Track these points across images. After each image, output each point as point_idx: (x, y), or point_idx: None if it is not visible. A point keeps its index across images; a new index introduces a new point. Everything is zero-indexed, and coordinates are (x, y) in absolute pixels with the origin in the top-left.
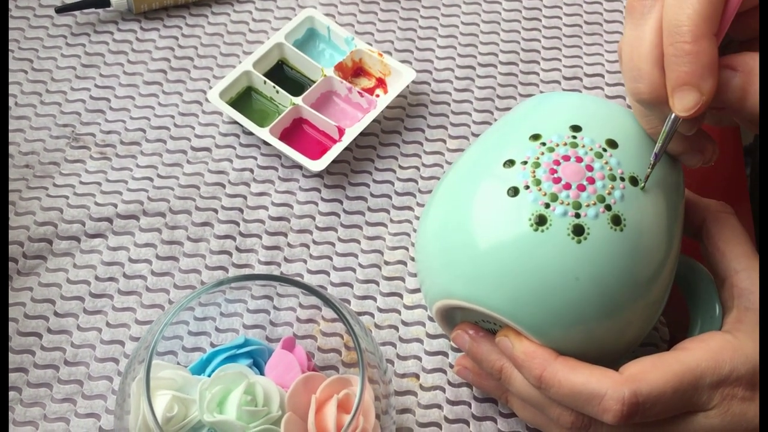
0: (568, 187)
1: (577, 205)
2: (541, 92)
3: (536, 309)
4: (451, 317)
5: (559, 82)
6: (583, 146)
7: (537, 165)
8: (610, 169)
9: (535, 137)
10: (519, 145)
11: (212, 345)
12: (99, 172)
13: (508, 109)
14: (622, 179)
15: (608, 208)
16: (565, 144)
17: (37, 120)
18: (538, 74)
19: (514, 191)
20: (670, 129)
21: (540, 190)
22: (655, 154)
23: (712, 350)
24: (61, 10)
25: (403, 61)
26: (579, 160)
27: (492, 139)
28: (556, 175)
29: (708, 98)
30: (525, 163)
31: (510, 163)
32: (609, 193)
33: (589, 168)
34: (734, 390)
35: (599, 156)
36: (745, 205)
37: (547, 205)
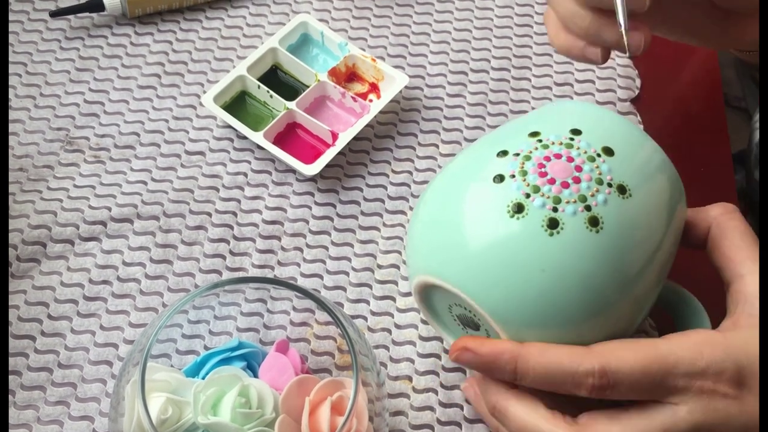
0: (552, 182)
1: (557, 200)
2: (533, 98)
3: (503, 296)
4: (430, 300)
5: (550, 88)
6: (578, 148)
7: (528, 158)
8: (599, 174)
9: (534, 134)
10: (516, 139)
11: (206, 348)
12: (93, 175)
13: (500, 114)
14: (609, 185)
15: (588, 208)
16: (561, 144)
17: (31, 123)
18: (529, 80)
19: (499, 178)
20: None
21: (524, 180)
22: (622, 18)
23: (692, 341)
24: (56, 14)
25: (396, 67)
26: (570, 159)
27: (495, 133)
28: (543, 170)
29: None
30: (517, 155)
31: (503, 153)
32: (592, 195)
33: (578, 169)
34: (715, 385)
35: (591, 160)
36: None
37: (528, 195)
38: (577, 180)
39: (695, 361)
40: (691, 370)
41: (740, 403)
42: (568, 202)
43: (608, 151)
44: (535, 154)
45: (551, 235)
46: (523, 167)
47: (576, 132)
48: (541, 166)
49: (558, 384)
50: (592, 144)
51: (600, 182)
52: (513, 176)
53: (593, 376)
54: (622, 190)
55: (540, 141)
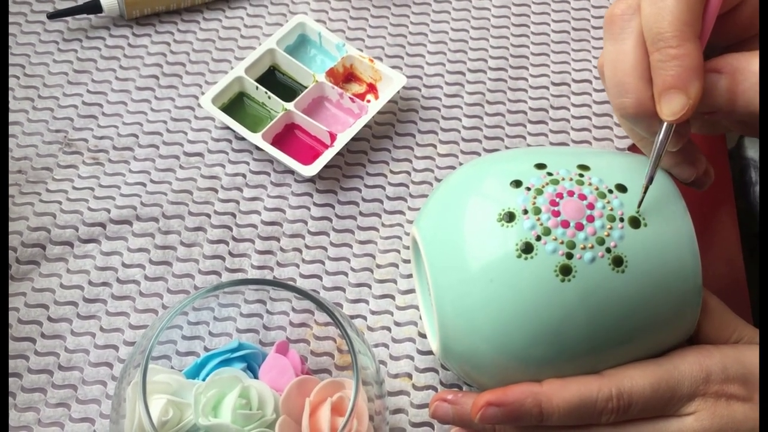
0: (566, 224)
1: (571, 245)
2: (530, 98)
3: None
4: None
5: (547, 88)
6: (590, 185)
7: (540, 192)
8: (611, 210)
9: (540, 166)
10: (524, 170)
11: (206, 349)
12: (92, 177)
13: (497, 114)
14: (621, 220)
15: (608, 250)
16: (571, 180)
17: (29, 126)
18: (526, 80)
19: (509, 216)
20: (662, 141)
21: (538, 219)
22: (649, 171)
23: (690, 355)
24: (53, 16)
25: (393, 67)
26: (582, 197)
27: (496, 159)
28: (556, 208)
29: (695, 101)
30: (529, 189)
31: (516, 183)
32: (608, 235)
33: (590, 207)
34: (723, 387)
35: (602, 196)
36: (729, 207)
37: (539, 238)
38: (591, 219)
39: (696, 372)
40: (694, 381)
41: (750, 406)
42: (584, 248)
43: (621, 188)
44: (546, 189)
45: (562, 281)
46: (535, 203)
47: (584, 168)
48: (554, 203)
49: (583, 416)
50: (603, 180)
51: (612, 219)
52: (525, 212)
53: (611, 400)
54: (634, 223)
55: (549, 174)
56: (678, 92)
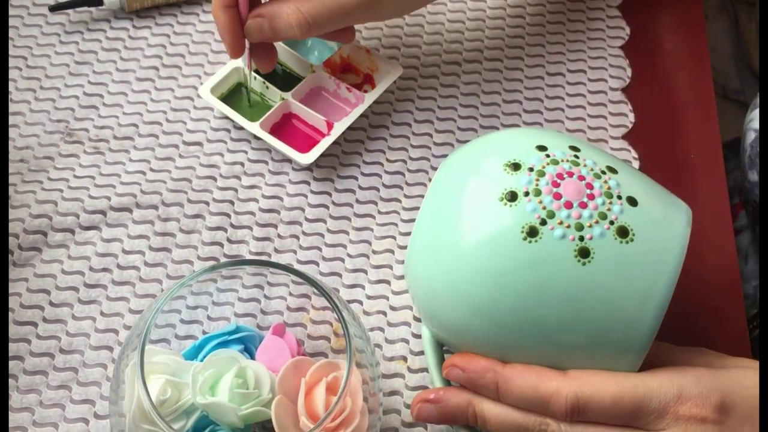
0: (569, 205)
1: (579, 226)
2: (526, 88)
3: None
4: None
5: (542, 78)
6: (585, 165)
7: (542, 174)
8: (608, 189)
9: (541, 148)
10: (525, 152)
11: (204, 333)
12: (92, 166)
13: (492, 104)
14: (619, 198)
15: (611, 222)
16: (568, 161)
17: (31, 116)
18: (522, 70)
19: (512, 195)
20: (247, 59)
21: (540, 202)
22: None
23: (663, 373)
24: (55, 8)
25: (390, 58)
26: (581, 178)
27: (493, 141)
28: (557, 190)
29: (236, 44)
30: (531, 169)
31: (515, 166)
32: (608, 210)
33: (589, 186)
34: (696, 410)
35: (598, 177)
36: (723, 201)
37: (544, 222)
38: (591, 197)
39: (666, 388)
40: (665, 397)
41: (721, 428)
42: (590, 226)
43: (612, 170)
44: (547, 170)
45: (584, 264)
46: (537, 185)
47: (575, 149)
48: (555, 185)
49: (534, 406)
50: (597, 162)
51: (610, 196)
52: (527, 194)
53: (566, 401)
54: (632, 201)
55: (548, 156)
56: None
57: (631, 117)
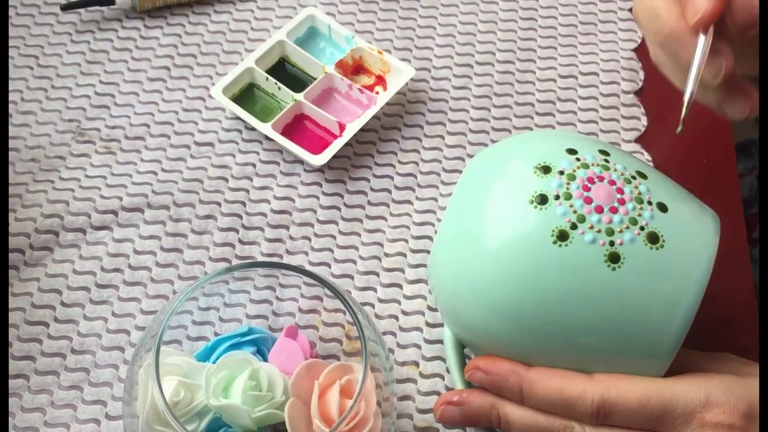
0: (600, 210)
1: (610, 231)
2: (538, 90)
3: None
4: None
5: (554, 80)
6: (615, 170)
7: (572, 177)
8: (639, 194)
9: (571, 151)
10: (555, 155)
11: (216, 335)
12: (104, 166)
13: (505, 106)
14: (650, 203)
15: (642, 228)
16: (598, 165)
17: (42, 115)
18: (534, 72)
19: (542, 198)
20: (701, 53)
21: (571, 206)
22: (690, 89)
23: (689, 378)
24: (67, 7)
25: (402, 59)
26: (611, 183)
27: (521, 143)
28: (588, 194)
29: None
30: (561, 173)
31: (545, 169)
32: (639, 215)
33: (620, 191)
34: (723, 417)
35: (628, 182)
36: (735, 202)
37: (574, 226)
38: (622, 202)
39: (693, 394)
40: (691, 402)
41: None
42: (621, 231)
43: (642, 175)
44: (578, 173)
45: (613, 270)
46: (568, 189)
47: (605, 153)
48: (586, 189)
49: (560, 411)
50: (627, 167)
51: (641, 201)
52: (557, 198)
53: (592, 404)
54: (662, 207)
55: (578, 159)
56: None
57: (644, 120)
